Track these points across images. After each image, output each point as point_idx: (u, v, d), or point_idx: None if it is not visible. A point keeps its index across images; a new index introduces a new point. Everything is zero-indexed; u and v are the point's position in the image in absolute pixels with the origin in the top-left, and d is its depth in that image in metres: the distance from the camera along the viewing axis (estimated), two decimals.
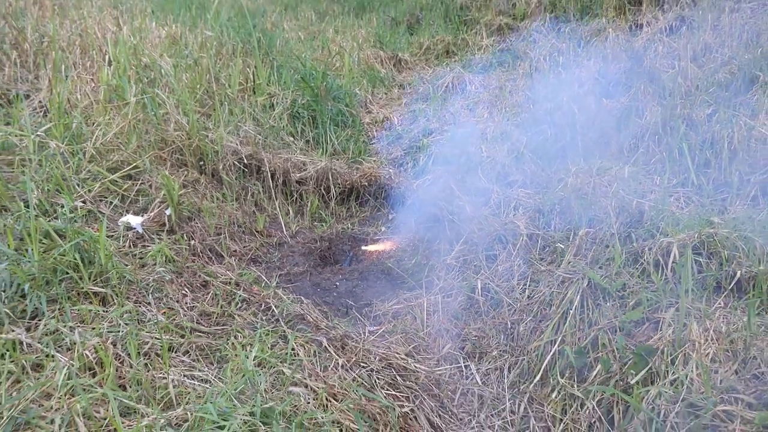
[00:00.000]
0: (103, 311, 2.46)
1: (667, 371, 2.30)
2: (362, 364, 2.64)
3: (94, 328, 2.31)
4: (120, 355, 2.22)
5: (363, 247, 3.96)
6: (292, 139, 4.90)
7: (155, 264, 2.95)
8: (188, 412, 1.96)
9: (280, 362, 2.41)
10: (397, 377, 2.64)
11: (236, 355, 2.38)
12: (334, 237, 4.09)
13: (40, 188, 3.11)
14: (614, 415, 2.33)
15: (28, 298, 2.39)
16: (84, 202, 3.26)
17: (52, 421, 1.84)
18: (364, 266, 3.76)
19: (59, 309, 2.40)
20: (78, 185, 3.33)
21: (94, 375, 2.09)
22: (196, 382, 2.17)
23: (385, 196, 4.58)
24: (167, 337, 2.42)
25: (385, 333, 3.02)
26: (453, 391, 2.69)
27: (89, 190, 3.34)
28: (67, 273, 2.58)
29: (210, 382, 2.21)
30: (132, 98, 4.02)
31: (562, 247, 3.28)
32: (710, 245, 2.86)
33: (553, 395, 2.54)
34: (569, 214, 3.55)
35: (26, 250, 2.60)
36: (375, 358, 2.71)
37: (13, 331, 2.20)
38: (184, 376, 2.21)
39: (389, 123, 5.71)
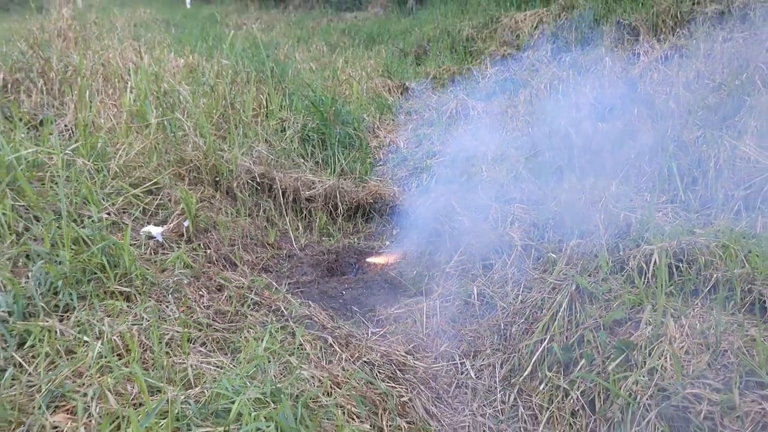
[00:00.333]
0: (128, 307, 2.70)
1: (644, 362, 2.50)
2: (364, 359, 2.85)
3: (120, 321, 2.55)
4: (144, 344, 2.45)
5: (368, 259, 4.19)
6: (302, 160, 5.17)
7: (174, 269, 3.20)
8: (205, 390, 2.18)
9: (288, 354, 2.63)
10: (397, 371, 2.85)
11: (248, 346, 2.61)
12: (341, 250, 4.32)
13: (69, 200, 3.38)
14: (596, 402, 2.53)
15: (61, 294, 2.63)
16: (108, 213, 3.52)
17: (85, 395, 2.07)
18: (369, 277, 3.98)
19: (88, 304, 2.64)
20: (103, 199, 3.59)
21: (120, 358, 2.32)
22: (212, 367, 2.40)
23: (390, 212, 4.82)
24: (186, 330, 2.65)
25: (386, 334, 3.24)
26: (449, 385, 2.90)
27: (113, 204, 3.61)
28: (95, 273, 2.83)
29: (225, 367, 2.43)
30: (153, 120, 4.31)
31: (555, 256, 3.49)
32: (690, 252, 3.07)
33: (541, 387, 2.73)
34: (562, 228, 3.76)
35: (57, 255, 2.85)
36: (377, 355, 2.92)
37: (47, 321, 2.44)
38: (201, 362, 2.43)
39: (395, 146, 5.98)
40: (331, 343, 2.89)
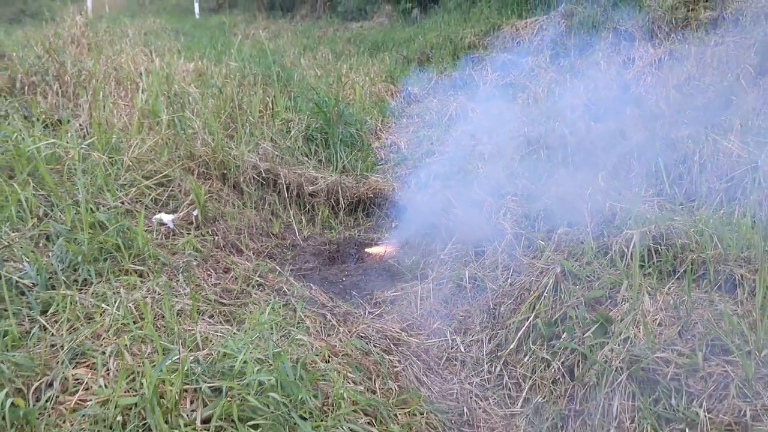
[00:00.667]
0: (141, 282, 2.91)
1: (620, 333, 2.69)
2: (361, 334, 3.06)
3: (135, 293, 2.76)
4: (156, 313, 2.66)
5: (366, 250, 4.40)
6: (306, 158, 5.40)
7: (185, 252, 3.41)
8: (212, 351, 2.39)
9: (289, 326, 2.84)
10: (392, 345, 3.06)
11: (252, 317, 2.81)
12: (342, 242, 4.54)
13: (86, 189, 3.60)
14: (575, 371, 2.72)
15: (80, 270, 2.85)
16: (122, 202, 3.74)
17: (103, 353, 2.27)
18: (368, 265, 4.19)
19: (105, 279, 2.86)
20: (117, 189, 3.82)
21: (135, 323, 2.53)
22: (218, 334, 2.60)
23: (389, 207, 5.03)
24: (195, 303, 2.85)
25: (383, 313, 3.45)
26: (439, 358, 3.10)
27: (126, 194, 3.83)
28: (111, 253, 3.05)
29: (230, 335, 2.64)
30: (164, 117, 4.55)
31: (543, 243, 3.69)
32: (668, 237, 3.26)
33: (525, 359, 2.93)
34: (552, 218, 3.96)
35: (75, 237, 3.07)
36: (373, 331, 3.12)
37: (68, 292, 2.65)
38: (209, 330, 2.64)
39: (396, 147, 6.20)
40: (329, 319, 3.10)
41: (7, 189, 3.27)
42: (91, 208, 3.47)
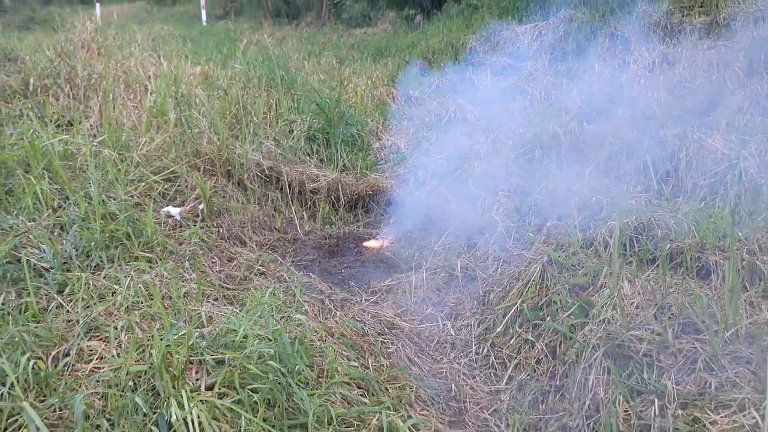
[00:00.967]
0: (150, 267, 3.10)
1: (599, 314, 2.86)
2: (357, 318, 3.24)
3: (144, 276, 2.95)
4: (164, 294, 2.85)
5: (364, 244, 4.59)
6: (307, 157, 5.59)
7: (191, 242, 3.60)
8: (216, 328, 2.57)
9: (289, 309, 3.02)
10: (386, 329, 3.24)
11: (254, 299, 3.00)
12: (342, 236, 4.72)
13: (98, 183, 3.80)
14: (556, 350, 2.89)
15: (92, 256, 3.04)
16: (132, 196, 3.94)
17: (116, 327, 2.46)
18: (366, 258, 4.37)
19: (117, 265, 3.05)
20: (127, 184, 4.01)
21: (144, 301, 2.72)
22: (222, 313, 2.79)
23: (388, 204, 5.21)
24: (200, 286, 3.04)
25: (378, 301, 3.63)
26: (430, 341, 3.27)
27: (136, 188, 4.03)
28: (122, 241, 3.25)
29: (233, 314, 2.82)
30: (172, 116, 4.75)
31: (533, 235, 3.86)
32: (649, 227, 3.44)
33: (511, 341, 3.10)
34: (542, 212, 4.14)
35: (88, 227, 3.26)
36: (368, 315, 3.31)
37: (82, 274, 2.84)
38: (213, 310, 2.82)
39: (396, 147, 6.38)
40: (327, 304, 3.28)
41: (24, 182, 3.47)
42: (102, 200, 3.68)
